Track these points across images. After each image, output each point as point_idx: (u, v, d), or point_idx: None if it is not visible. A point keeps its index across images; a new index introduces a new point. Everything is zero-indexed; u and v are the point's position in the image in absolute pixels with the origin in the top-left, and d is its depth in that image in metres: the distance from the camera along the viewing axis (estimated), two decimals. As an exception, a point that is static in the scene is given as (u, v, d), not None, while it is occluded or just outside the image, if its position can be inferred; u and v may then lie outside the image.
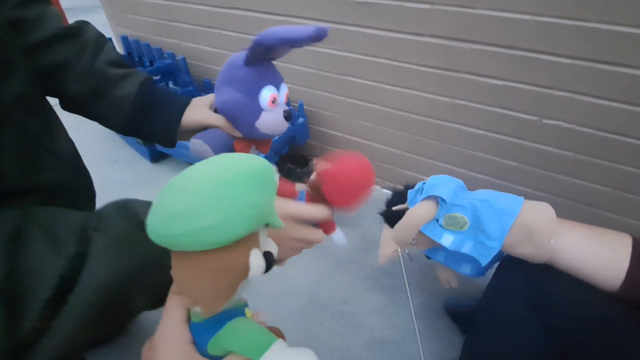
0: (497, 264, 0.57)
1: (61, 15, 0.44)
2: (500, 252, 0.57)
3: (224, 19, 1.06)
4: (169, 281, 0.25)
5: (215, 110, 0.46)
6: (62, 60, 0.42)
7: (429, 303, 0.78)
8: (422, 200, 0.54)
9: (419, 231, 0.56)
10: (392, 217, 0.62)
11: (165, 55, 1.23)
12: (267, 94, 0.40)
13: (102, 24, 1.60)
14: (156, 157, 1.21)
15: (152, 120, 0.45)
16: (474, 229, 0.53)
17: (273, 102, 0.41)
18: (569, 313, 0.46)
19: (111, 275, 0.28)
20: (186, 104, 0.45)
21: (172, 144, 0.47)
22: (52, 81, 0.42)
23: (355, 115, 1.01)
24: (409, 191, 0.60)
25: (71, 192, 0.42)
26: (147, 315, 0.32)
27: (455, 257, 0.61)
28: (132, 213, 0.31)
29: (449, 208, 0.54)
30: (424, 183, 0.58)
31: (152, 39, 1.30)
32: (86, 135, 1.35)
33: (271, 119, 0.41)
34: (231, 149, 0.44)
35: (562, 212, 0.49)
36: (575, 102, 0.71)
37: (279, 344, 0.24)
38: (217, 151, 0.43)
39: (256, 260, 0.24)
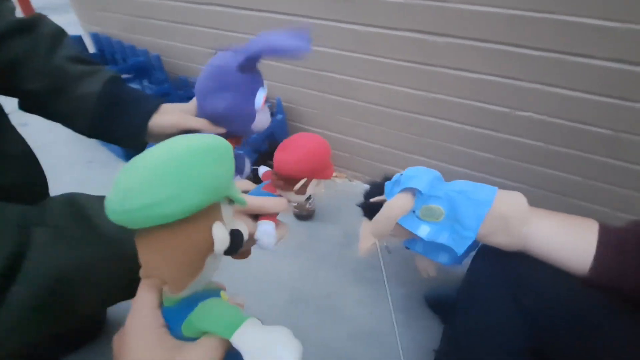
0: (474, 253, 0.58)
1: (15, 9, 0.42)
2: (476, 242, 0.58)
3: (199, 15, 1.04)
4: (121, 277, 0.25)
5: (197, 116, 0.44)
6: (15, 56, 0.39)
7: (410, 294, 0.79)
8: (399, 192, 0.54)
9: (397, 223, 0.57)
10: (369, 209, 0.62)
11: (138, 52, 1.19)
12: (261, 95, 0.42)
13: (73, 22, 1.54)
14: (132, 157, 1.18)
15: (118, 120, 0.43)
16: (450, 219, 0.54)
17: (264, 102, 0.43)
18: (543, 297, 0.47)
19: (53, 269, 0.27)
20: (157, 104, 0.43)
21: (142, 147, 0.45)
22: (5, 79, 0.40)
23: (334, 110, 1.01)
24: (386, 183, 0.60)
25: (22, 193, 0.40)
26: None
27: (433, 247, 0.62)
28: (78, 207, 0.30)
29: (425, 199, 0.54)
30: (401, 175, 0.59)
31: (124, 36, 1.26)
32: (59, 137, 1.30)
33: (263, 118, 0.44)
34: None
35: (536, 202, 0.50)
36: (545, 93, 0.72)
37: (251, 320, 0.23)
38: None
39: (219, 233, 0.23)
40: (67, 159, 1.21)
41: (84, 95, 0.41)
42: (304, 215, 0.97)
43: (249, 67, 0.41)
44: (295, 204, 0.95)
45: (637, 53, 0.62)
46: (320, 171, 0.36)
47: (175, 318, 0.24)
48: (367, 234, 0.60)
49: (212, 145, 0.23)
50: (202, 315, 0.24)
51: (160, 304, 0.25)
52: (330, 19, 0.86)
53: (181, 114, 0.43)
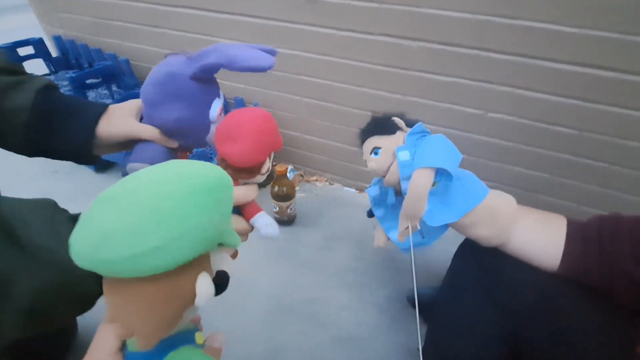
0: (455, 252, 0.59)
1: None
2: (440, 233, 0.57)
3: (168, 18, 1.01)
4: (50, 287, 0.23)
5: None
6: None
7: (393, 295, 0.80)
8: (427, 168, 0.50)
9: (392, 153, 0.54)
10: (378, 124, 0.58)
11: (105, 56, 1.14)
12: (216, 107, 0.39)
13: (32, 25, 1.45)
14: (101, 166, 1.12)
15: (58, 133, 0.38)
16: (437, 195, 0.53)
17: (220, 114, 0.40)
18: (517, 294, 0.48)
19: None
20: (101, 111, 0.39)
21: (90, 160, 0.40)
22: None
23: (312, 114, 1.01)
24: (419, 123, 0.55)
25: None
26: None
27: (393, 217, 0.59)
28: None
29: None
30: (421, 130, 0.55)
31: (90, 39, 1.20)
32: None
33: None
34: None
35: (507, 200, 0.52)
36: (514, 95, 0.75)
37: None
38: None
39: (204, 287, 0.21)
40: (29, 171, 1.14)
41: (14, 109, 0.36)
42: (285, 220, 0.96)
43: (205, 77, 0.38)
44: (276, 209, 0.94)
45: (595, 56, 0.66)
46: (276, 143, 0.35)
47: None
48: (402, 218, 0.55)
49: (214, 182, 0.20)
50: None
51: (122, 348, 0.22)
52: (305, 23, 0.85)
53: (129, 120, 0.39)
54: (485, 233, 0.49)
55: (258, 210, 0.36)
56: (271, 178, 1.06)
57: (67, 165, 1.15)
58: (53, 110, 0.38)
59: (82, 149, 0.39)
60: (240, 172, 0.34)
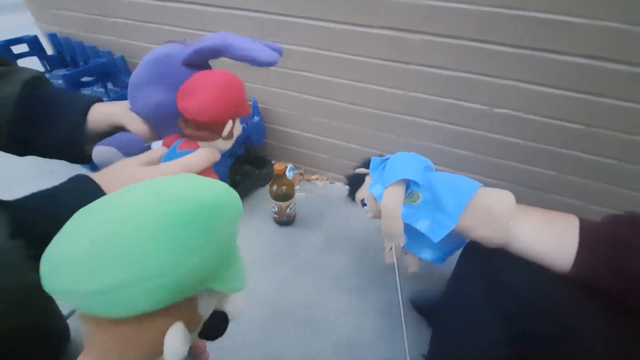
0: (459, 254, 0.57)
1: None
2: (461, 241, 0.57)
3: (162, 13, 0.99)
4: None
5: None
6: None
7: (395, 299, 0.77)
8: (391, 185, 0.53)
9: (371, 196, 0.57)
10: (354, 181, 0.63)
11: (100, 53, 1.12)
12: None
13: (29, 22, 1.43)
14: (96, 167, 1.10)
15: (47, 126, 0.35)
16: (432, 207, 0.53)
17: None
18: (522, 299, 0.46)
19: None
20: (93, 101, 0.37)
21: (83, 157, 0.37)
22: None
23: (311, 111, 0.98)
24: (373, 158, 0.60)
25: None
26: None
27: (416, 241, 0.60)
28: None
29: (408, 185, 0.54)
30: (386, 158, 0.58)
31: (85, 36, 1.18)
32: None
33: None
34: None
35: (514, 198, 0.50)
36: (520, 90, 0.73)
37: None
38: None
39: (173, 344, 0.17)
40: (24, 171, 1.12)
41: None
42: (285, 221, 0.93)
43: (199, 64, 0.35)
44: (276, 209, 0.91)
45: (605, 49, 0.63)
46: (242, 107, 0.33)
47: None
48: (386, 239, 0.60)
49: (199, 211, 0.16)
50: None
51: None
52: (304, 17, 0.83)
53: (119, 107, 0.37)
54: (485, 234, 0.48)
55: (209, 173, 0.33)
56: (269, 177, 1.03)
57: (63, 165, 1.13)
58: (42, 103, 0.36)
59: (73, 143, 0.36)
60: (200, 130, 0.32)
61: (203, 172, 0.32)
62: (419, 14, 0.72)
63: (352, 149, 1.00)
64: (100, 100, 0.38)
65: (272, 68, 0.94)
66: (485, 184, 0.51)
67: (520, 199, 0.50)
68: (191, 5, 0.93)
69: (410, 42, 0.76)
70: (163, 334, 0.17)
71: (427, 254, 0.60)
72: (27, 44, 1.18)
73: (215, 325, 0.19)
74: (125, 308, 0.14)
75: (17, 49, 1.16)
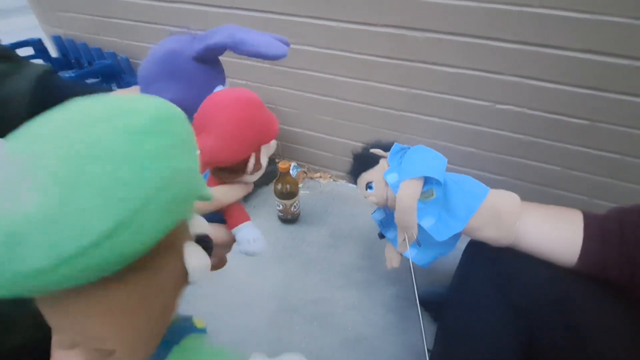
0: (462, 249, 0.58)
1: None
2: (449, 247, 0.57)
3: (167, 14, 0.99)
4: None
5: None
6: None
7: (402, 294, 0.78)
8: (412, 180, 0.51)
9: (382, 181, 0.55)
10: (362, 160, 0.60)
11: (105, 55, 1.13)
12: None
13: (33, 26, 1.44)
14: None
15: None
16: (440, 205, 0.53)
17: None
18: (532, 293, 0.47)
19: None
20: (107, 92, 0.37)
21: None
22: None
23: (315, 110, 0.99)
24: (395, 144, 0.58)
25: None
26: None
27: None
28: None
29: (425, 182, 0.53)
30: (399, 149, 0.57)
31: (89, 38, 1.18)
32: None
33: None
34: None
35: (517, 193, 0.50)
36: (524, 86, 0.73)
37: (256, 356, 0.19)
38: None
39: (196, 260, 0.16)
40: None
41: (12, 97, 0.34)
42: (289, 218, 0.94)
43: (209, 59, 0.35)
44: (280, 207, 0.92)
45: (607, 43, 0.63)
46: (265, 133, 0.27)
47: None
48: (399, 230, 0.58)
49: (160, 113, 0.14)
50: None
51: None
52: (307, 16, 0.83)
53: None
54: (493, 235, 0.49)
55: (244, 218, 0.29)
56: (273, 176, 1.04)
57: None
58: (55, 97, 0.36)
59: None
60: (221, 172, 0.27)
61: (227, 211, 0.29)
62: (422, 12, 0.72)
63: (355, 146, 1.00)
64: (110, 91, 0.39)
65: (275, 67, 0.95)
66: (490, 180, 0.51)
67: (525, 195, 0.51)
68: (195, 5, 0.94)
69: (413, 40, 0.76)
70: (179, 260, 0.15)
71: (412, 253, 0.60)
72: (32, 47, 1.19)
73: (206, 246, 0.18)
74: (143, 241, 0.12)
75: (22, 51, 1.17)
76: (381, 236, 0.68)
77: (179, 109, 0.16)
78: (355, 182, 0.63)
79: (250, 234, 0.29)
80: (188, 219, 0.18)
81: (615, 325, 0.43)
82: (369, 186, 0.58)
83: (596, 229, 0.44)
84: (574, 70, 0.68)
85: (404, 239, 0.56)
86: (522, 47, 0.69)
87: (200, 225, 0.19)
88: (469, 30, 0.71)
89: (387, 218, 0.67)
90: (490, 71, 0.74)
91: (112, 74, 1.12)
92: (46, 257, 0.10)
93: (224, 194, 0.27)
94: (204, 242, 0.18)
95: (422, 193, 0.52)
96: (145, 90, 0.36)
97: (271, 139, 0.28)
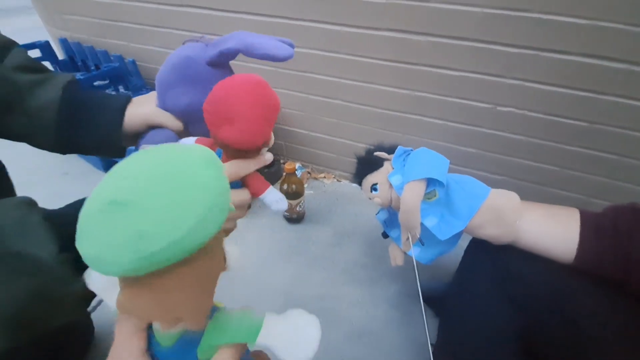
0: (462, 255, 0.59)
1: None
2: (450, 246, 0.59)
3: (173, 18, 1.01)
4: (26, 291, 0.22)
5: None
6: None
7: (404, 291, 0.80)
8: (415, 181, 0.54)
9: (387, 183, 0.58)
10: (364, 164, 0.63)
11: (112, 58, 1.14)
12: None
13: (37, 26, 1.45)
14: (110, 168, 1.13)
15: (89, 127, 0.38)
16: (442, 205, 0.55)
17: None
18: (530, 287, 0.48)
19: None
20: (126, 102, 0.40)
21: (120, 152, 0.41)
22: None
23: (319, 111, 1.01)
24: (399, 147, 0.60)
25: None
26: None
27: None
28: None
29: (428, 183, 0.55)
30: (407, 152, 0.59)
31: (96, 41, 1.20)
32: (32, 149, 1.23)
33: None
34: None
35: (517, 192, 0.52)
36: (524, 89, 0.75)
37: (267, 318, 0.24)
38: None
39: (233, 249, 0.23)
40: (40, 172, 1.15)
41: (42, 106, 0.37)
42: (295, 218, 0.96)
43: (221, 64, 0.38)
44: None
45: (605, 48, 0.65)
46: (277, 109, 0.31)
47: (185, 352, 0.23)
48: (402, 230, 0.60)
49: (207, 152, 0.20)
50: (219, 332, 0.23)
51: (148, 349, 0.23)
52: (312, 20, 0.85)
53: (153, 106, 0.40)
54: (494, 233, 0.50)
55: (266, 185, 0.34)
56: (279, 176, 1.06)
57: (79, 167, 1.17)
58: (80, 105, 0.39)
59: (112, 140, 0.39)
60: (241, 153, 0.31)
61: (249, 182, 0.33)
62: (424, 17, 0.74)
63: (359, 147, 1.03)
64: (129, 99, 0.41)
65: (280, 70, 0.97)
66: (490, 180, 0.53)
67: (524, 194, 0.53)
68: (200, 9, 0.95)
69: (416, 44, 0.78)
70: (220, 251, 0.21)
71: (415, 251, 0.62)
72: (40, 50, 1.21)
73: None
74: (213, 230, 0.18)
75: (29, 54, 1.19)
76: (385, 235, 0.70)
77: (208, 149, 0.21)
78: (359, 184, 0.65)
79: (276, 195, 0.34)
80: None
81: (612, 319, 0.44)
82: (373, 188, 0.60)
83: (592, 227, 0.45)
84: (572, 73, 0.70)
85: (408, 238, 0.59)
86: (522, 51, 0.71)
87: (228, 222, 0.25)
88: (470, 34, 0.73)
89: (390, 218, 0.69)
90: (491, 74, 0.76)
91: (119, 76, 1.14)
92: (157, 244, 0.16)
93: (243, 167, 0.31)
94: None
95: (426, 194, 0.54)
96: (163, 95, 0.38)
97: (278, 111, 0.31)
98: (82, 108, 0.39)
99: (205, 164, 0.19)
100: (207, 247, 0.19)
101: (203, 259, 0.19)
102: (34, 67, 0.39)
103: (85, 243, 0.17)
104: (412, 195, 0.53)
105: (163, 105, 0.39)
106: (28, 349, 0.41)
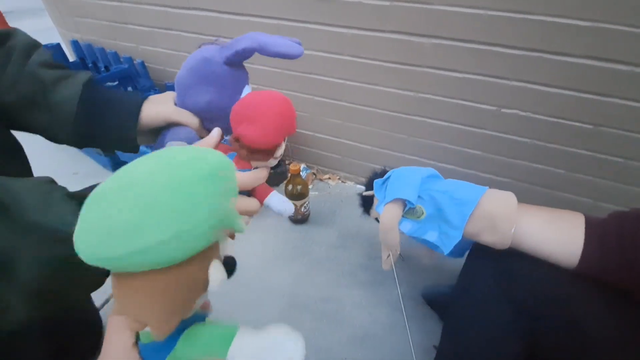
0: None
1: None
2: (469, 241, 0.59)
3: (182, 20, 1.03)
4: (54, 262, 0.23)
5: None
6: None
7: (407, 293, 0.80)
8: (388, 203, 0.56)
9: (379, 215, 0.59)
10: (365, 202, 0.67)
11: (121, 59, 1.17)
12: (246, 93, 0.41)
13: (48, 28, 1.49)
14: (119, 168, 1.15)
15: (105, 122, 0.40)
16: (438, 219, 0.55)
17: None
18: (533, 291, 0.48)
19: None
20: (142, 99, 0.41)
21: (134, 148, 0.42)
22: None
23: (324, 113, 1.01)
24: (375, 180, 0.62)
25: None
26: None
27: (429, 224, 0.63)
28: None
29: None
30: (389, 175, 0.60)
31: (106, 42, 1.23)
32: (42, 148, 1.25)
33: None
34: None
35: (523, 195, 0.52)
36: (528, 91, 0.75)
37: (241, 332, 0.22)
38: None
39: (217, 274, 0.21)
40: (50, 171, 1.16)
41: (63, 101, 0.39)
42: (299, 219, 0.97)
43: (236, 63, 0.40)
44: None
45: (609, 50, 0.65)
46: (292, 127, 0.36)
47: (157, 353, 0.22)
48: (383, 248, 0.63)
49: (218, 166, 0.20)
50: (189, 345, 0.22)
51: (136, 341, 0.23)
52: (317, 22, 0.86)
53: (171, 104, 0.41)
54: (490, 240, 0.50)
55: (269, 190, 0.36)
56: (284, 177, 1.07)
57: (88, 166, 1.19)
58: (98, 101, 0.40)
59: (127, 135, 0.41)
60: (255, 154, 0.34)
61: (254, 188, 0.35)
62: (429, 19, 0.75)
63: (363, 149, 1.03)
64: (146, 98, 0.43)
65: (285, 72, 0.98)
66: (495, 182, 0.53)
67: (529, 197, 0.52)
68: (208, 12, 0.97)
69: (420, 46, 0.79)
70: (205, 271, 0.21)
71: (408, 226, 0.62)
72: (51, 51, 1.24)
73: (229, 265, 0.23)
74: (188, 251, 0.18)
75: (42, 56, 1.22)
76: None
77: (228, 161, 0.21)
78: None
79: (280, 199, 0.36)
80: (221, 241, 0.23)
81: (617, 323, 0.43)
82: (377, 220, 0.63)
83: (596, 233, 0.44)
84: (576, 75, 0.70)
85: (388, 256, 0.61)
86: (526, 53, 0.71)
87: (229, 248, 0.24)
88: (474, 36, 0.73)
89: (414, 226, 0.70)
90: (496, 76, 0.76)
91: (129, 77, 1.16)
92: (122, 249, 0.17)
93: (255, 179, 0.33)
94: (229, 263, 0.23)
95: (411, 214, 0.55)
96: (183, 95, 0.40)
97: (294, 131, 0.36)
98: (100, 103, 0.40)
99: (211, 179, 0.19)
100: (182, 265, 0.19)
101: (176, 274, 0.19)
102: (57, 65, 0.41)
103: (77, 230, 0.18)
104: (388, 216, 0.55)
105: (182, 105, 0.41)
106: (39, 337, 0.42)
